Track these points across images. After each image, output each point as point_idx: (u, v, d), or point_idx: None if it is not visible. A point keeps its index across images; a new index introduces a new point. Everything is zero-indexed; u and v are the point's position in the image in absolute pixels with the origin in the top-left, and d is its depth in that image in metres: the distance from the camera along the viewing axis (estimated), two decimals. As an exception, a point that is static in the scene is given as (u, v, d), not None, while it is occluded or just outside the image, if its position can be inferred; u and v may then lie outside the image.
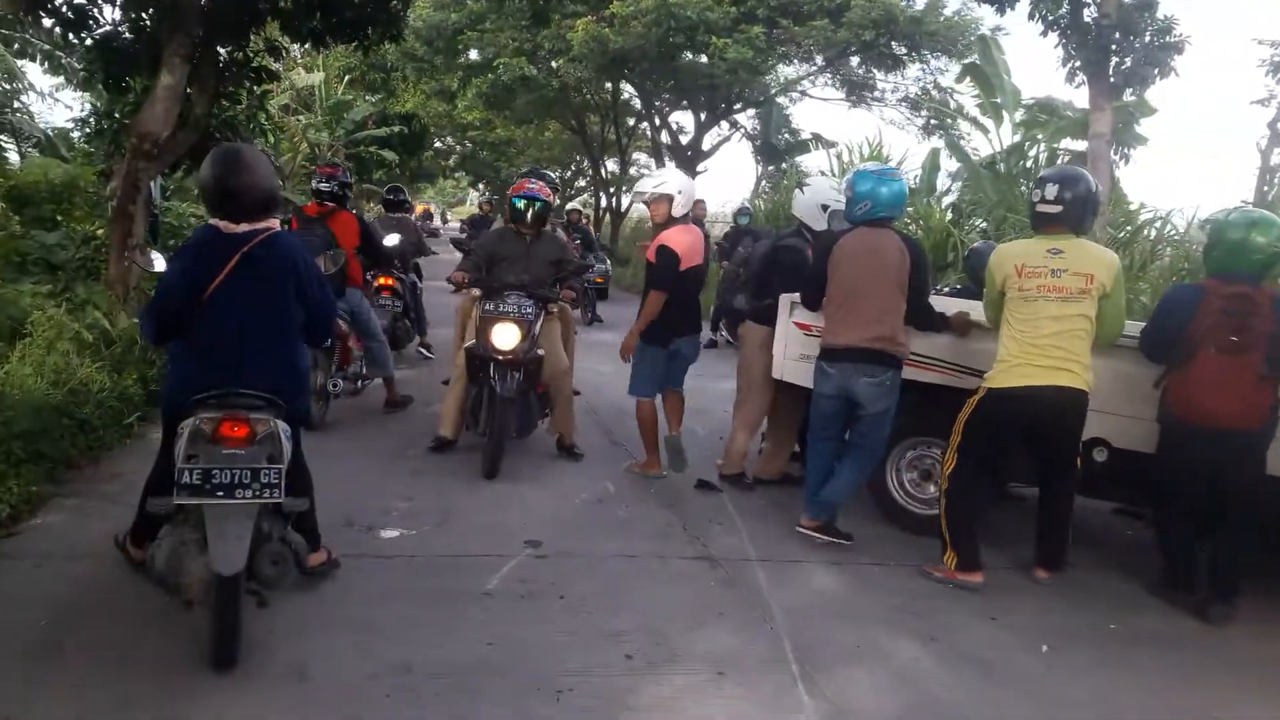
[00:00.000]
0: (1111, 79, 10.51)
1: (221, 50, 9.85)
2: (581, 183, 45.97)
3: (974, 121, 14.23)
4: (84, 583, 4.01)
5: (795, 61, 20.73)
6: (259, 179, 3.54)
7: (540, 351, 6.10)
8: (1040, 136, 13.38)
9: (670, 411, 6.35)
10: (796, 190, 6.38)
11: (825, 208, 6.03)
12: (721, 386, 8.90)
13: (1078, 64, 10.73)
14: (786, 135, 25.09)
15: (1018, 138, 13.79)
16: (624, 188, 32.28)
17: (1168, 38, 10.48)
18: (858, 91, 22.65)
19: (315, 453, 4.14)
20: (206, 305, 3.42)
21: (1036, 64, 21.77)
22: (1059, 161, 12.98)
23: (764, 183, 25.79)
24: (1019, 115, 13.68)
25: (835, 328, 5.06)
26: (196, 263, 3.47)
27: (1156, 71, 10.50)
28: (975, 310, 5.22)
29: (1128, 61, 10.53)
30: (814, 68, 21.35)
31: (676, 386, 6.34)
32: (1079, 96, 12.53)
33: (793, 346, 5.90)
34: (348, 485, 5.57)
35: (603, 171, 32.99)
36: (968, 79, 13.51)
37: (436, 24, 23.17)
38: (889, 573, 4.91)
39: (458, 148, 43.36)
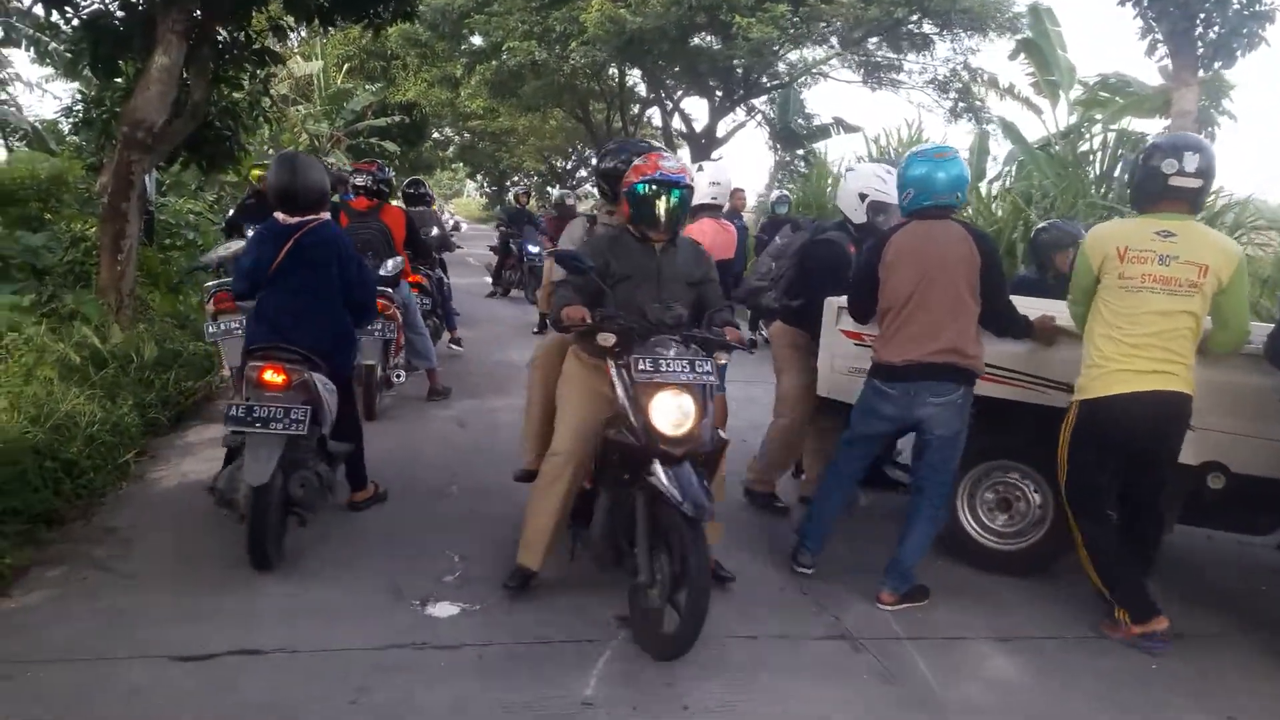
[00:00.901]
0: (1200, 50, 9.54)
1: (221, 30, 8.91)
2: (583, 172, 45.14)
3: (1025, 101, 13.33)
4: (65, 697, 3.09)
5: (818, 42, 19.71)
6: (312, 180, 4.47)
7: (723, 434, 3.92)
8: (1099, 116, 12.45)
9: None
10: (842, 178, 5.44)
11: (864, 197, 5.15)
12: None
13: (1158, 35, 9.79)
14: (802, 120, 24.11)
15: (1074, 118, 12.86)
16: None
17: (1258, 6, 9.53)
18: (882, 73, 21.71)
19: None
20: (269, 280, 4.39)
21: (1093, 39, 20.78)
22: (1113, 144, 12.06)
23: (779, 171, 24.86)
24: (1075, 93, 12.76)
25: (892, 341, 4.19)
26: (262, 248, 4.44)
27: (1245, 42, 9.56)
28: (1057, 312, 4.45)
29: (1214, 31, 9.58)
30: (834, 51, 20.35)
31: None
32: (1148, 72, 11.55)
33: (842, 359, 5.03)
34: (388, 536, 4.73)
35: (609, 160, 31.95)
36: (1021, 55, 12.58)
37: (442, 8, 22.13)
38: (1065, 648, 3.98)
39: (455, 138, 42.49)
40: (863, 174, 5.30)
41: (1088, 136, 12.30)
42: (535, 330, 11.77)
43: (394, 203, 8.29)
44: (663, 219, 3.81)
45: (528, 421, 4.62)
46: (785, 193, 12.53)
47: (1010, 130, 12.59)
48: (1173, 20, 9.53)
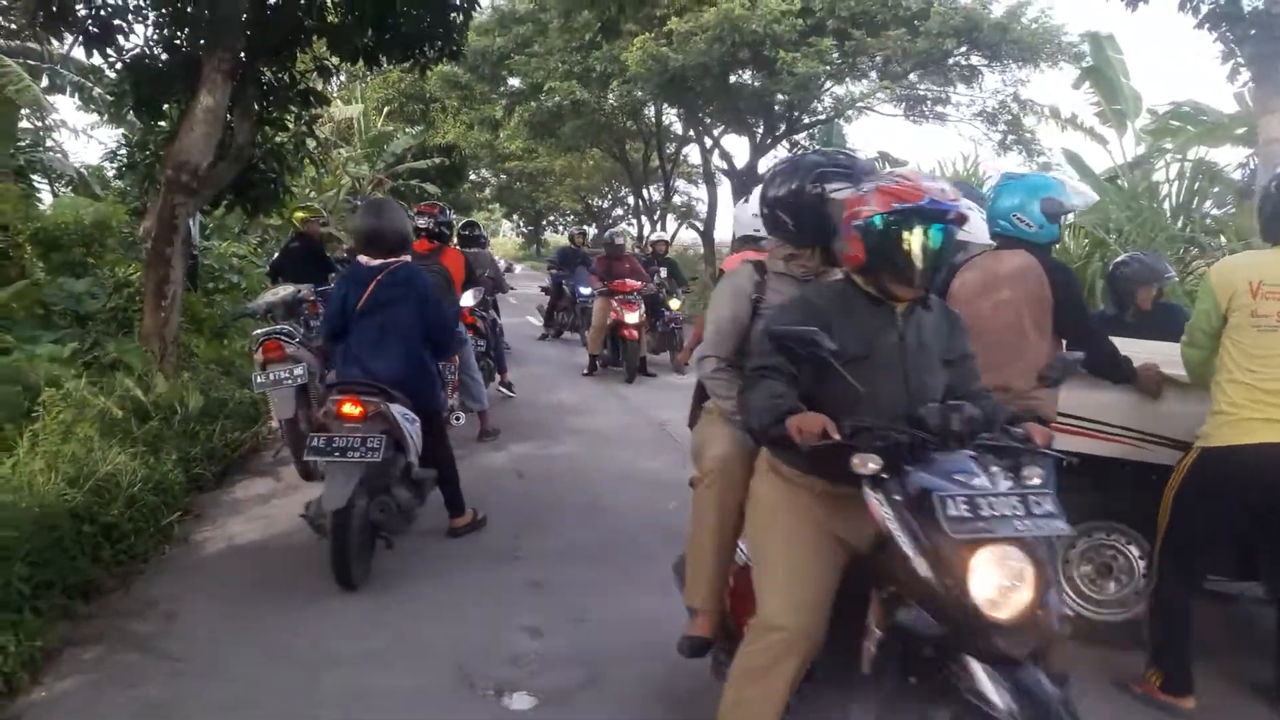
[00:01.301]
0: (1288, 76, 9.04)
1: (265, 71, 8.71)
2: (619, 211, 45.08)
3: (1089, 131, 12.86)
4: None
5: (863, 77, 19.37)
6: (395, 224, 4.91)
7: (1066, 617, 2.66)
8: (1169, 145, 11.95)
9: None
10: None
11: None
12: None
13: (1240, 60, 9.29)
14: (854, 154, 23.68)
15: (1141, 148, 12.36)
16: (668, 214, 31.26)
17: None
18: (927, 106, 21.29)
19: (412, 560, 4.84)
20: (354, 320, 4.73)
21: (1156, 69, 20.24)
22: (1189, 174, 11.52)
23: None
24: (1142, 122, 12.28)
25: None
26: (348, 289, 4.81)
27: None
28: (1133, 352, 4.02)
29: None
30: (879, 84, 19.98)
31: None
32: (1222, 99, 11.05)
33: None
34: (455, 606, 4.32)
35: (645, 199, 31.80)
36: (1086, 84, 12.15)
37: (482, 49, 22.09)
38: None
39: (492, 179, 42.61)
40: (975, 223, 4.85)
41: (1161, 166, 11.80)
42: (585, 372, 11.40)
43: (452, 245, 8.07)
44: (919, 267, 2.50)
45: (695, 563, 3.25)
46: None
47: (1076, 161, 12.14)
48: (1256, 43, 9.05)
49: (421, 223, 7.08)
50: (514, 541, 5.25)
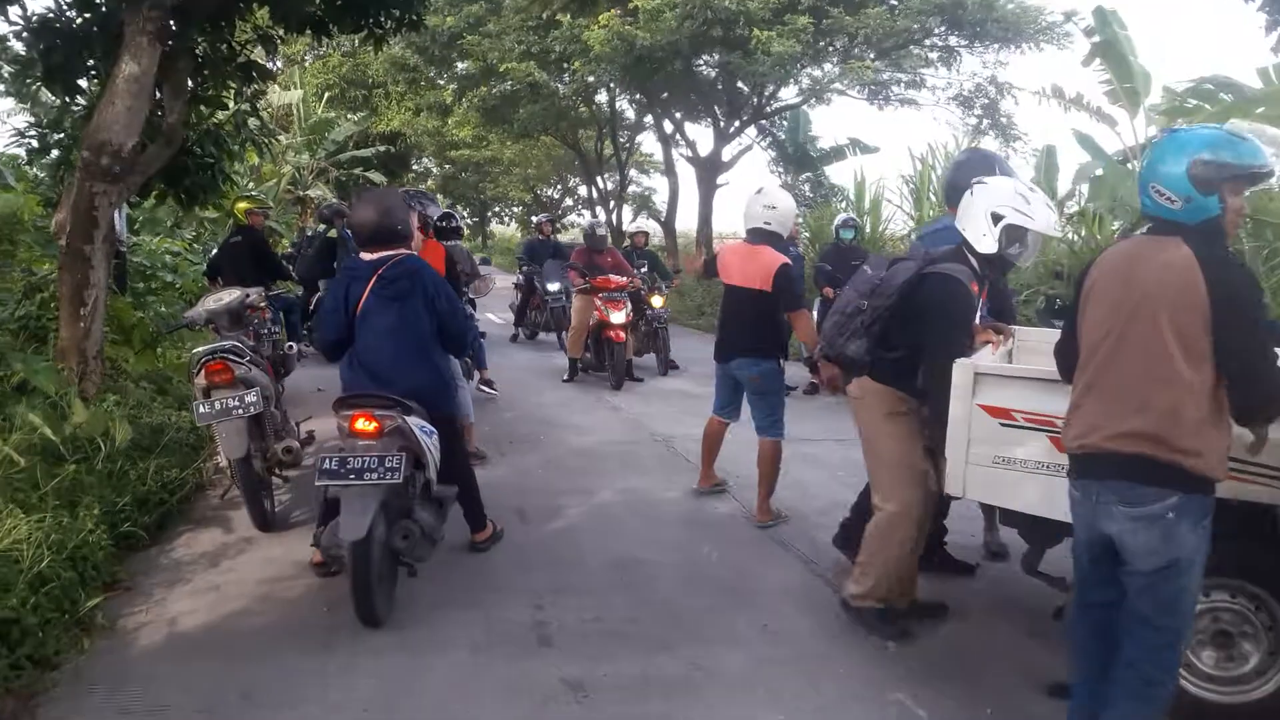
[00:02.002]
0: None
1: (199, 40, 7.46)
2: (569, 201, 43.90)
3: (1097, 111, 12.11)
4: None
5: (841, 59, 18.43)
6: (395, 215, 4.39)
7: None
8: (1183, 125, 11.20)
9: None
10: (968, 192, 3.97)
11: (997, 219, 3.78)
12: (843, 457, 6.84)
13: (1287, 29, 8.53)
14: (809, 142, 22.81)
15: (1153, 129, 11.60)
16: (624, 204, 30.28)
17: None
18: (890, 91, 20.43)
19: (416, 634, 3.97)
20: (356, 322, 4.30)
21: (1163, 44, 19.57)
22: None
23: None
24: (1152, 100, 11.52)
25: (1073, 416, 2.92)
26: (348, 287, 4.34)
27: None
28: None
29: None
30: (852, 66, 19.09)
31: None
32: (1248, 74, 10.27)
33: (983, 445, 3.66)
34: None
35: (600, 188, 30.72)
36: (1096, 60, 11.35)
37: (432, 30, 20.74)
38: None
39: (434, 170, 41.21)
40: (998, 189, 3.87)
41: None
42: (565, 378, 10.32)
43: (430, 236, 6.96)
44: None
45: None
46: (852, 217, 11.11)
47: (1087, 142, 11.33)
48: (1302, 11, 8.29)
49: None
50: (536, 614, 4.17)
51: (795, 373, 10.28)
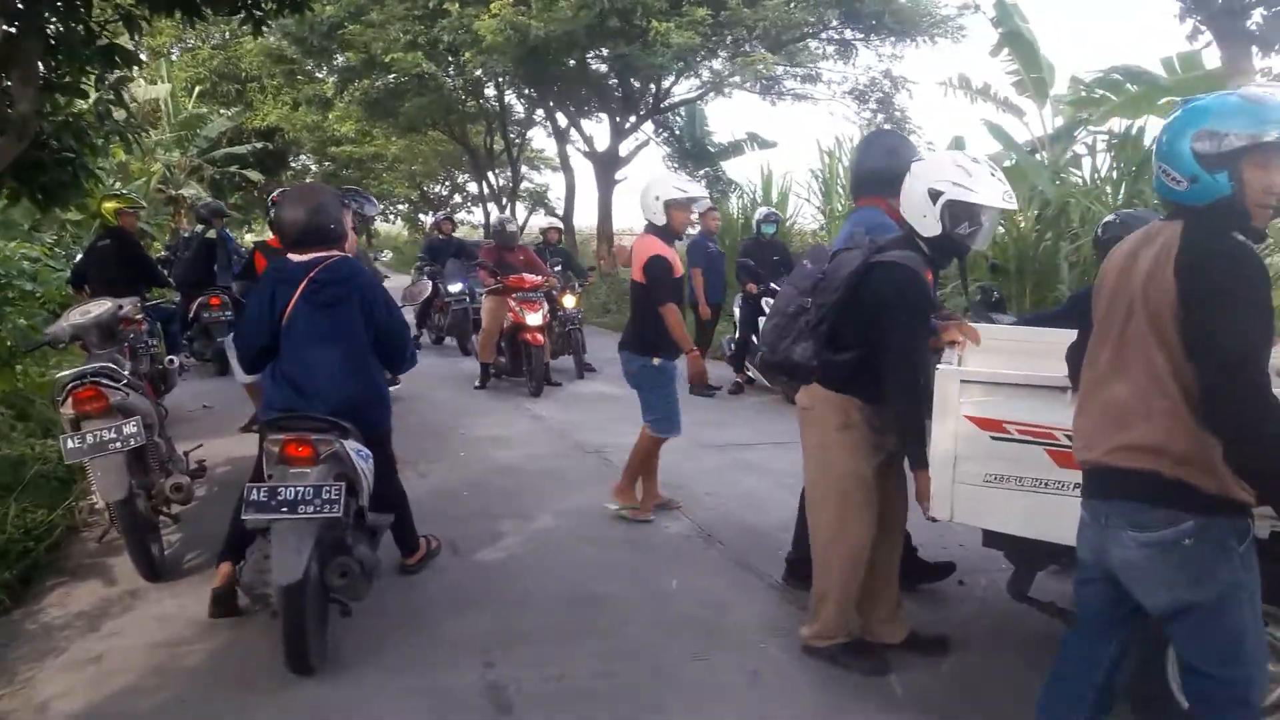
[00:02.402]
0: (1255, 33, 8.30)
1: (51, 19, 6.54)
2: (458, 198, 42.79)
3: (1004, 103, 12.06)
4: None
5: (736, 52, 18.14)
6: (327, 212, 3.90)
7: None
8: (1084, 116, 11.25)
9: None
10: (909, 174, 3.61)
11: (935, 196, 3.37)
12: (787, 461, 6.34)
13: (1199, 19, 8.53)
14: (710, 136, 22.56)
15: (1060, 120, 11.63)
16: (517, 200, 29.53)
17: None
18: (795, 81, 20.32)
19: None
20: (284, 331, 3.79)
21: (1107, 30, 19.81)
22: (1107, 146, 10.85)
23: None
24: (1057, 91, 11.52)
25: (1077, 424, 2.55)
26: (274, 292, 3.83)
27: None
28: None
29: (1260, 14, 8.38)
30: (751, 58, 18.83)
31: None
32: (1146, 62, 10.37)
33: (972, 463, 3.26)
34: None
35: (492, 184, 29.93)
36: (1005, 51, 11.28)
37: (310, 20, 19.63)
38: None
39: (314, 167, 39.66)
40: (934, 164, 3.51)
41: (1082, 137, 11.12)
42: (477, 385, 9.68)
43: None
44: None
45: None
46: (774, 211, 10.73)
47: (997, 132, 11.25)
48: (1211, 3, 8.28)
49: None
50: (487, 673, 3.58)
51: (721, 372, 9.91)
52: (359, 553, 3.68)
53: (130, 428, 4.25)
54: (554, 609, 4.18)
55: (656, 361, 5.30)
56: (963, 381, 3.27)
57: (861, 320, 3.47)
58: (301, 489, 3.43)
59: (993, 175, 3.43)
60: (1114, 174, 10.10)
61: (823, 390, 3.63)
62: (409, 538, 4.54)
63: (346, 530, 3.64)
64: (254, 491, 3.43)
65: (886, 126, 20.04)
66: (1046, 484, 3.14)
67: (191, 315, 9.73)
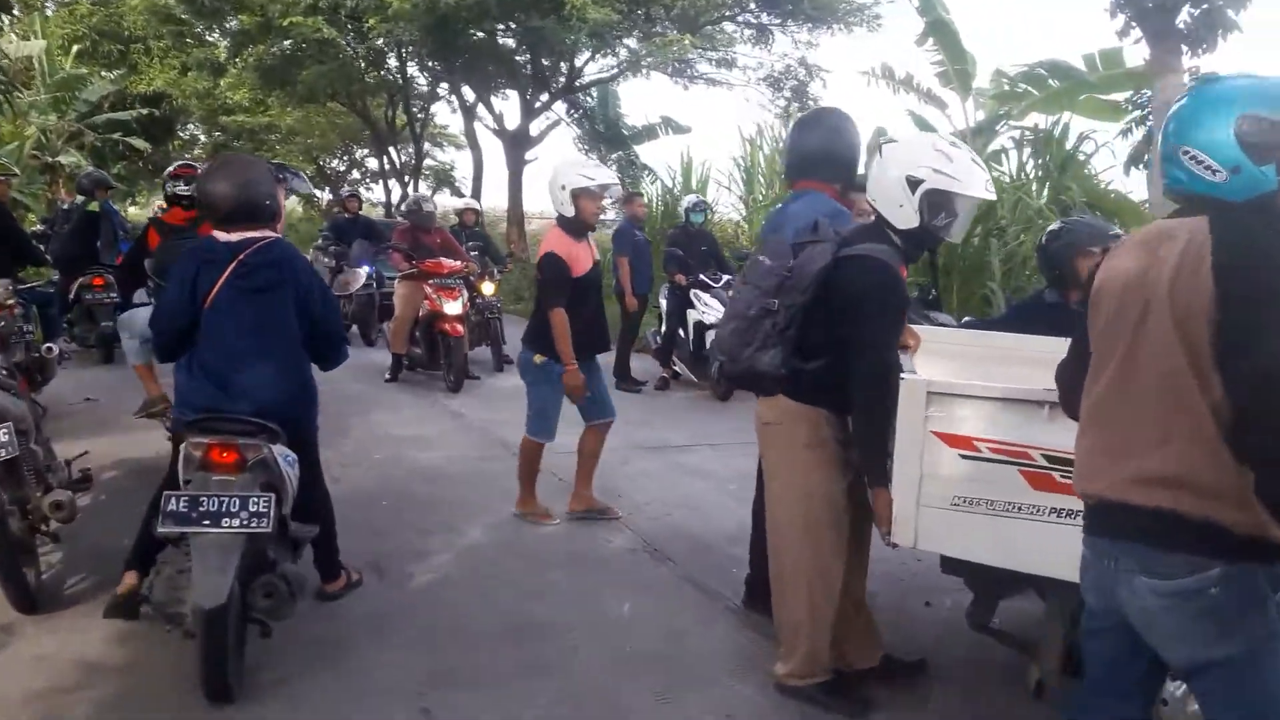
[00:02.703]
0: (1185, 32, 8.31)
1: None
2: (356, 174, 41.33)
3: (926, 94, 11.98)
4: None
5: (654, 29, 17.77)
6: (260, 189, 3.56)
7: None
8: (1005, 111, 11.26)
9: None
10: (874, 156, 3.36)
11: (914, 184, 3.05)
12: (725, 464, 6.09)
13: (1130, 15, 8.51)
14: (623, 119, 22.13)
15: (981, 114, 11.61)
16: (420, 178, 28.61)
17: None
18: (711, 63, 20.05)
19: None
20: (204, 318, 3.43)
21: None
22: (1028, 140, 10.90)
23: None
24: (978, 84, 11.49)
25: (1079, 452, 2.22)
26: (194, 272, 3.46)
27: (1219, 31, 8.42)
28: None
29: (1187, 11, 8.40)
30: (654, 42, 18.48)
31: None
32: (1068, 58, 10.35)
33: (938, 484, 2.92)
34: None
35: (394, 161, 28.95)
36: (930, 40, 11.17)
37: (201, -23, 18.50)
38: None
39: (203, 137, 37.83)
40: (912, 149, 3.22)
41: (1005, 132, 11.12)
42: (387, 378, 9.13)
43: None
44: None
45: None
46: (703, 199, 10.36)
47: (921, 124, 11.16)
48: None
49: (181, 189, 5.52)
50: (418, 699, 3.17)
51: (645, 366, 9.57)
52: (284, 569, 3.37)
53: (1, 435, 3.68)
54: (494, 641, 3.76)
55: (539, 360, 4.98)
56: (930, 393, 2.94)
57: (831, 322, 3.15)
58: (226, 499, 3.13)
59: (973, 162, 3.14)
60: (1038, 171, 10.11)
61: (789, 403, 3.29)
62: (332, 561, 4.09)
63: (270, 544, 3.32)
64: (172, 501, 3.11)
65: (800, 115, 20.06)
66: (1020, 508, 2.84)
67: (72, 297, 8.96)
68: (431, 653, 3.64)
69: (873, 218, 3.30)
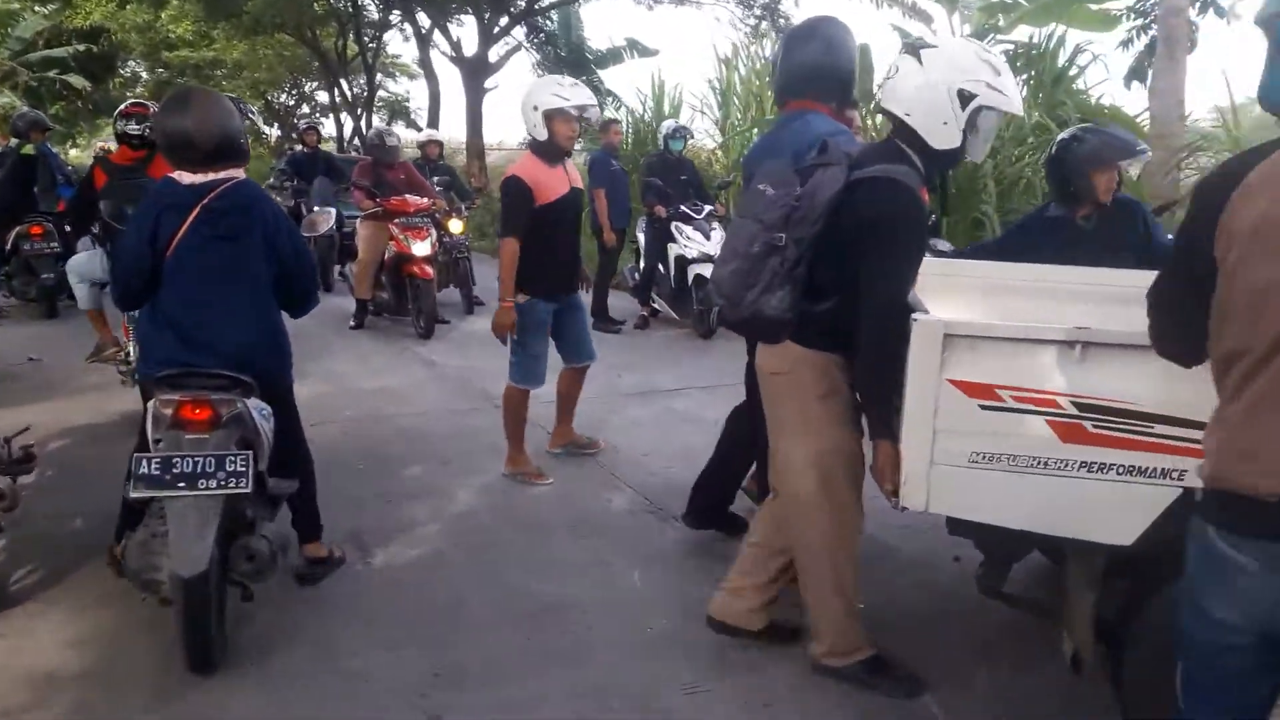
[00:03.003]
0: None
1: None
2: (306, 108, 40.00)
3: (910, 8, 11.46)
4: None
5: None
6: (214, 122, 3.29)
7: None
8: (991, 24, 10.78)
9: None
10: (901, 61, 2.92)
11: (966, 99, 2.67)
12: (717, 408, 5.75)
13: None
14: (586, 43, 21.30)
15: (968, 27, 11.13)
16: (374, 110, 27.64)
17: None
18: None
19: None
20: (167, 266, 3.25)
21: None
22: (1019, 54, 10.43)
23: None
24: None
25: (1246, 434, 1.66)
26: (154, 217, 3.26)
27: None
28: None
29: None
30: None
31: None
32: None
33: (955, 439, 2.52)
34: None
35: (345, 93, 27.88)
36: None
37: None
38: None
39: (145, 74, 36.38)
40: (960, 57, 2.73)
41: (994, 45, 10.63)
42: (352, 325, 8.65)
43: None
44: None
45: None
46: (683, 125, 9.78)
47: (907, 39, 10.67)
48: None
49: (132, 127, 5.36)
50: (422, 701, 2.82)
51: (623, 304, 9.15)
52: (265, 529, 3.23)
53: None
54: (500, 626, 3.40)
55: (521, 299, 4.61)
56: (946, 335, 2.50)
57: (843, 256, 2.76)
58: (201, 459, 2.98)
59: (1010, 74, 2.79)
60: (1030, 86, 9.69)
61: (798, 349, 2.89)
62: (312, 518, 3.78)
63: (249, 503, 3.17)
64: (143, 463, 2.97)
65: (772, 34, 19.33)
66: (1046, 464, 2.48)
67: (9, 247, 8.39)
68: (430, 643, 3.27)
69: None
